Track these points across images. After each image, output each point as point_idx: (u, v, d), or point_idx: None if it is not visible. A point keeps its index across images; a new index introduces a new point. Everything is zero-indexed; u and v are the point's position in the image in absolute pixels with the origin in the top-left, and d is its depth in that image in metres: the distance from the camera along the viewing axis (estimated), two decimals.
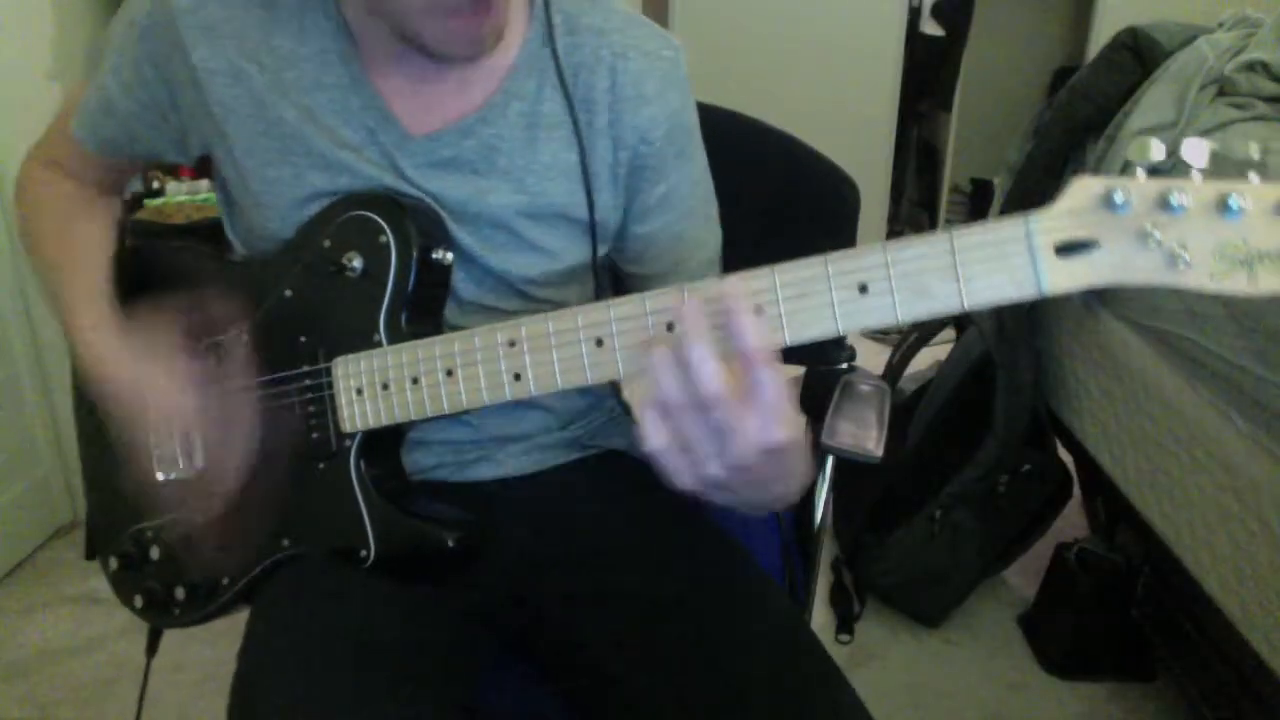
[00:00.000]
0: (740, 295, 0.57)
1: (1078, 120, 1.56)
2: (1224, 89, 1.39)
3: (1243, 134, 1.31)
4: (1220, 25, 1.53)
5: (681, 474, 0.60)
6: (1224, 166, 0.51)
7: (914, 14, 3.41)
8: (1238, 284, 0.50)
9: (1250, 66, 1.37)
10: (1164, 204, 0.50)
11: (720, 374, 0.56)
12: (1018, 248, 0.53)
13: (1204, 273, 0.50)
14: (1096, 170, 1.49)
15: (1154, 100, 1.42)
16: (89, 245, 0.89)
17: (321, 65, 0.79)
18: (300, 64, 0.79)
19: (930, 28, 3.43)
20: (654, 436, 0.59)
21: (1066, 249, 0.52)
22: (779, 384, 0.56)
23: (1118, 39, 1.55)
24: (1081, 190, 0.52)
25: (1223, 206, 0.49)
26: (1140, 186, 0.51)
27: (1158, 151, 0.51)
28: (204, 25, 0.78)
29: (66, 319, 0.85)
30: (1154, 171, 0.52)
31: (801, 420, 0.61)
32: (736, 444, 0.57)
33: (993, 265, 0.54)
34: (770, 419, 0.56)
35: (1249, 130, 1.32)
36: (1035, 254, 0.53)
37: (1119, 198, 0.51)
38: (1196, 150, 0.50)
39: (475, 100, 0.80)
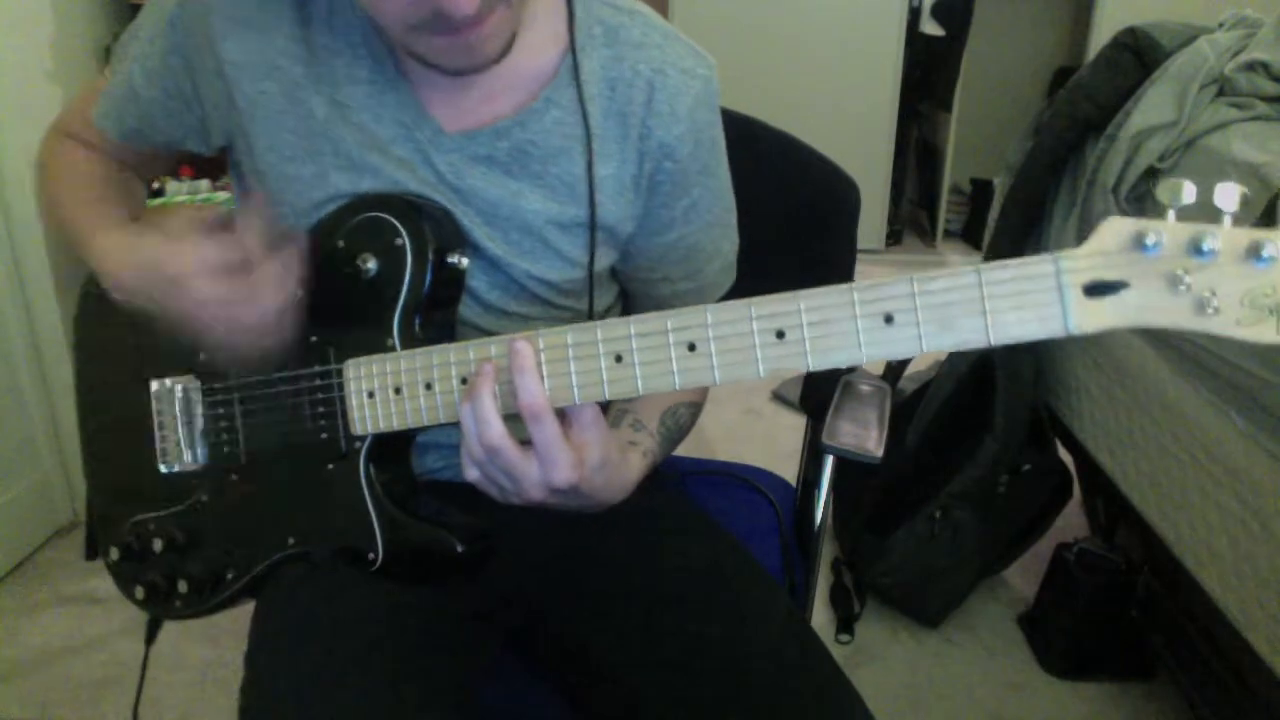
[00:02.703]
0: (523, 355, 0.65)
1: (1078, 120, 1.56)
2: (1224, 89, 1.39)
3: (1243, 134, 1.31)
4: (1220, 25, 1.53)
5: (498, 499, 0.71)
6: (1237, 178, 0.50)
7: (914, 14, 3.42)
8: (1265, 332, 0.49)
9: (1250, 66, 1.37)
10: (1195, 248, 0.50)
11: (497, 430, 0.66)
12: (1046, 285, 0.53)
13: (1231, 319, 0.50)
14: (1097, 170, 1.49)
15: (1154, 100, 1.42)
16: (106, 188, 0.89)
17: (355, 60, 0.79)
18: (334, 58, 0.79)
19: (930, 28, 3.43)
20: (469, 471, 0.70)
21: (1095, 289, 0.52)
22: (550, 436, 0.65)
23: (1118, 39, 1.55)
24: (1112, 231, 0.52)
25: (1254, 254, 0.49)
26: (1172, 229, 0.50)
27: (1189, 194, 0.50)
28: (238, 18, 0.78)
29: (84, 238, 0.82)
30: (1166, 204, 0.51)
31: (597, 456, 0.69)
32: (525, 486, 0.68)
33: (1020, 302, 0.53)
34: (549, 465, 0.66)
35: (1249, 130, 1.32)
36: (1064, 293, 0.52)
37: (1150, 240, 0.50)
38: (1228, 195, 0.49)
39: (509, 105, 0.80)
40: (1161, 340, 1.34)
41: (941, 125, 3.69)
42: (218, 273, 0.71)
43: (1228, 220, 0.50)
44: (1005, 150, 1.76)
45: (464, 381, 0.70)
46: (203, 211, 0.75)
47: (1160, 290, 0.51)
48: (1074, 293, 0.52)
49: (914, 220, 4.06)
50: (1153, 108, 1.42)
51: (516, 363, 0.65)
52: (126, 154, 0.91)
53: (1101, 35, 3.35)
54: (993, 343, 0.54)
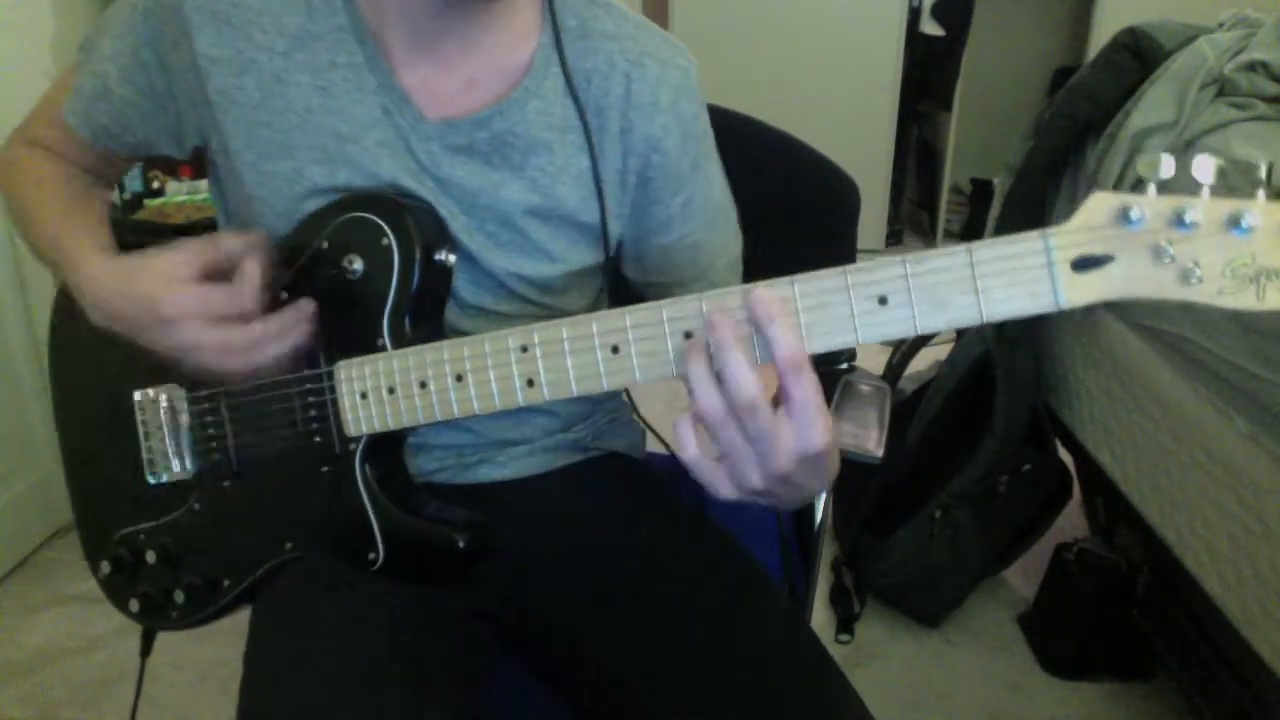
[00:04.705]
0: (772, 303, 0.57)
1: (1078, 120, 1.56)
2: (1224, 89, 1.39)
3: (1243, 134, 1.31)
4: (1220, 25, 1.53)
5: (720, 484, 0.61)
6: (1231, 175, 0.51)
7: (914, 14, 3.42)
8: (1246, 299, 0.51)
9: (1250, 66, 1.37)
10: (1178, 220, 0.51)
11: (756, 384, 0.56)
12: (1036, 262, 0.54)
13: (1214, 288, 0.51)
14: (1097, 170, 1.49)
15: (1154, 100, 1.42)
16: (86, 207, 0.86)
17: (336, 44, 0.78)
18: (313, 43, 0.77)
19: (930, 28, 3.43)
20: (687, 447, 0.59)
21: (1082, 263, 0.53)
22: (813, 391, 0.57)
23: (1118, 39, 1.55)
24: (1098, 206, 0.53)
25: (1234, 223, 0.50)
26: (1154, 203, 0.52)
27: (1167, 168, 0.51)
28: (211, 10, 0.76)
29: (68, 259, 0.80)
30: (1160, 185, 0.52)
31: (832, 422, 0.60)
32: (775, 454, 0.57)
33: (1011, 279, 0.54)
34: (806, 427, 0.57)
35: (1249, 130, 1.32)
36: (1053, 268, 0.53)
37: (1134, 214, 0.52)
38: (1205, 167, 0.51)
39: (489, 94, 0.79)
40: (1161, 340, 1.34)
41: (941, 125, 3.69)
42: (217, 320, 0.71)
43: (1206, 192, 0.51)
44: (1005, 150, 1.76)
45: (459, 379, 0.69)
46: (201, 252, 0.74)
47: (1145, 262, 0.52)
48: (1063, 268, 0.53)
49: (914, 220, 4.06)
50: (1153, 108, 1.42)
51: (765, 311, 0.57)
52: (92, 158, 0.88)
53: (1101, 35, 3.35)
54: (985, 320, 0.55)
